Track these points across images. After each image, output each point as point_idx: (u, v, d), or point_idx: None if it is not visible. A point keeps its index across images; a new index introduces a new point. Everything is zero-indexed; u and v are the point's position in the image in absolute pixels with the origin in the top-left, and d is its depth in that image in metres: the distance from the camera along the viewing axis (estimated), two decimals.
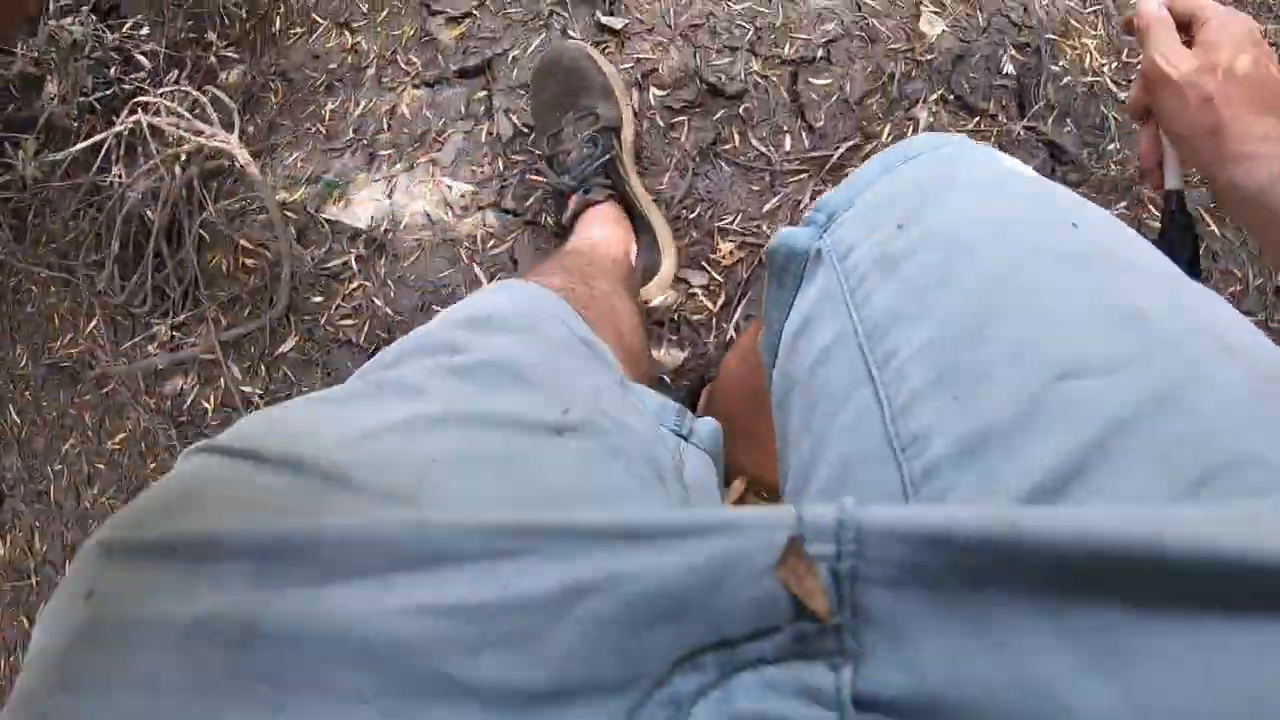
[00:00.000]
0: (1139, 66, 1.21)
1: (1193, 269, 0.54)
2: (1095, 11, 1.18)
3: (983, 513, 0.21)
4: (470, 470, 0.32)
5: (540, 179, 1.03)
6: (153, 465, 1.21)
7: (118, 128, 1.17)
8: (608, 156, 0.94)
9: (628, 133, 0.99)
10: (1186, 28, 0.54)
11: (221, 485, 0.30)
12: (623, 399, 0.44)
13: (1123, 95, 1.14)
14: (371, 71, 1.16)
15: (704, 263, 0.98)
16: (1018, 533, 0.20)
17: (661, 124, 1.03)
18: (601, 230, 0.90)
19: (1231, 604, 0.19)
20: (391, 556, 0.24)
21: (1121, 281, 0.33)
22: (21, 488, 1.40)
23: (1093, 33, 1.17)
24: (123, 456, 1.25)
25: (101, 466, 1.28)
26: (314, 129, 1.16)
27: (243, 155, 1.05)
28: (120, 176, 1.20)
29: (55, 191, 1.27)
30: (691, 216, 0.99)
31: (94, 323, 1.29)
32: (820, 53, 1.05)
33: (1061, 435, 0.27)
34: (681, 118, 1.03)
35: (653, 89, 1.05)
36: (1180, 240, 0.55)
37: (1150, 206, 1.11)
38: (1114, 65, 1.16)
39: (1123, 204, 1.10)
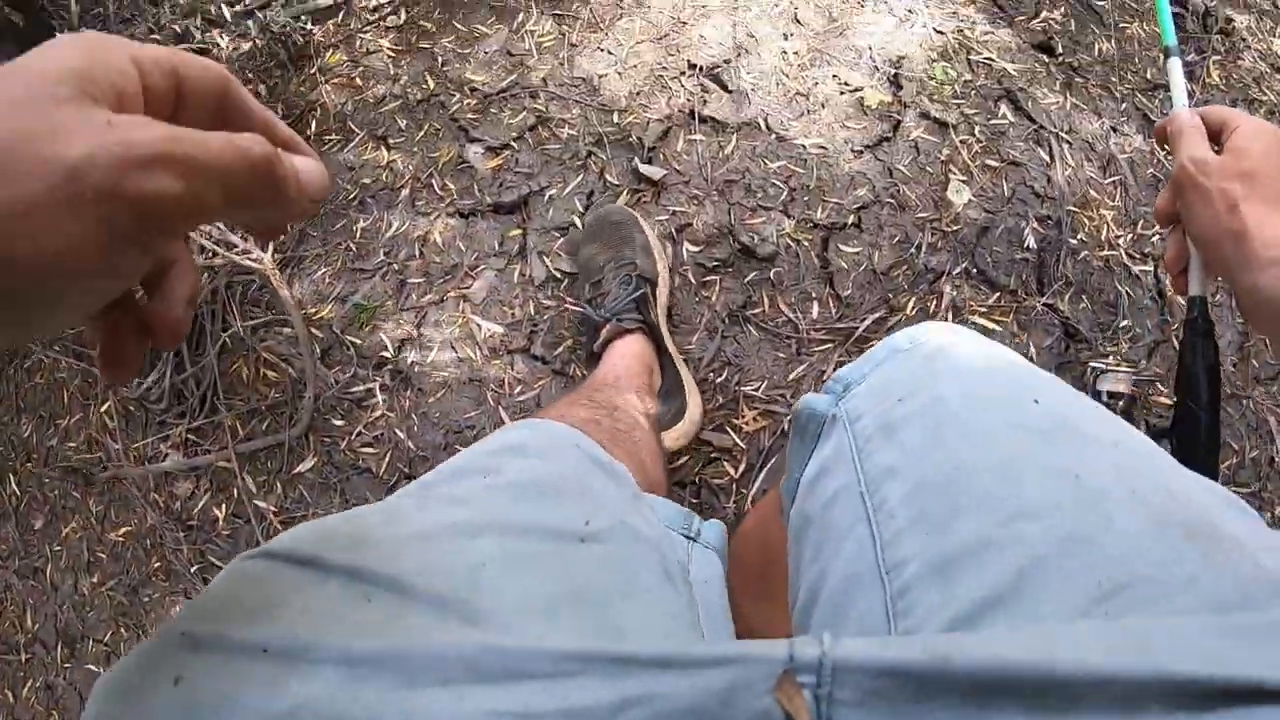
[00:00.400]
0: (1158, 235, 1.24)
1: (1211, 374, 0.56)
2: (1114, 182, 1.22)
3: (924, 646, 0.28)
4: (513, 573, 0.37)
5: (576, 308, 1.05)
6: (157, 564, 1.21)
7: None
8: (640, 293, 0.97)
9: (663, 290, 1.01)
10: (1217, 137, 0.55)
11: (296, 592, 0.33)
12: (634, 509, 0.51)
13: (1137, 270, 1.17)
14: (406, 192, 1.17)
15: (727, 427, 1.00)
16: (948, 663, 0.27)
17: (694, 281, 1.05)
18: (626, 365, 0.92)
19: (1112, 706, 0.26)
20: (471, 671, 0.29)
21: (1067, 448, 0.40)
22: (16, 560, 1.38)
23: (1111, 204, 1.21)
24: (125, 550, 1.25)
25: (103, 556, 1.27)
26: (344, 245, 1.17)
27: (274, 276, 1.05)
28: None
29: None
30: (719, 380, 1.01)
31: (106, 406, 1.29)
32: (851, 219, 1.08)
33: (1002, 563, 0.35)
34: (713, 277, 1.05)
35: (686, 244, 1.07)
36: (1202, 346, 0.56)
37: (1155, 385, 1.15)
38: (1130, 237, 1.19)
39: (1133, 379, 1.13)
